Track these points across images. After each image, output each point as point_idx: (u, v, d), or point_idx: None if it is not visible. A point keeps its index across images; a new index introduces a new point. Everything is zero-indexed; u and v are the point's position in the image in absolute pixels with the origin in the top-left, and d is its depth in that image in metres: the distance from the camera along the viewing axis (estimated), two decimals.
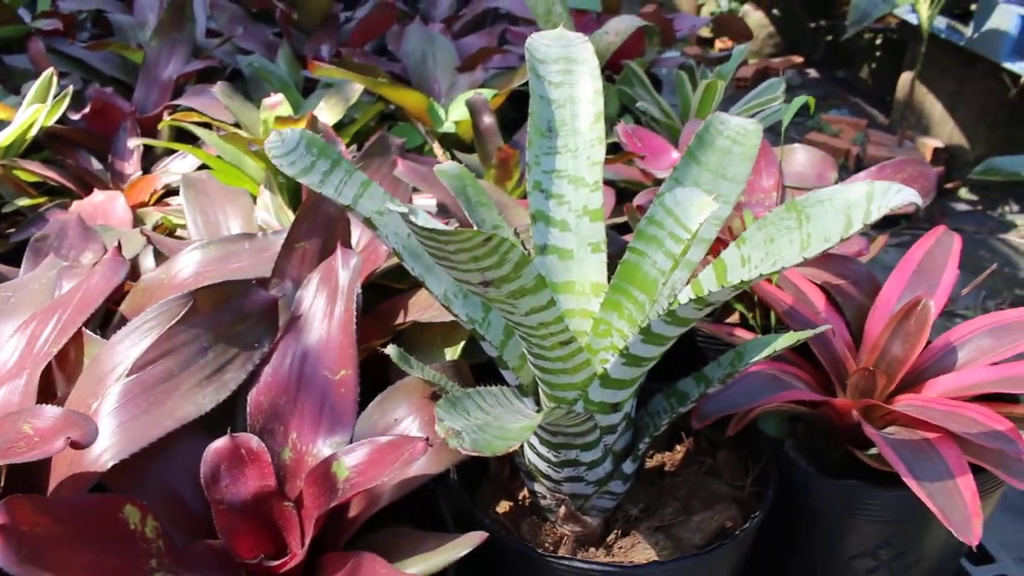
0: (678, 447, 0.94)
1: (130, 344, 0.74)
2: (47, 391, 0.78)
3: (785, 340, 0.73)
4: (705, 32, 4.34)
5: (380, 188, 0.74)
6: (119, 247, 0.85)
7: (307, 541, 0.70)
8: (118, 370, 0.73)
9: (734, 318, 1.06)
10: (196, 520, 0.72)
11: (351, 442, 0.76)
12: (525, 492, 0.87)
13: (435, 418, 0.75)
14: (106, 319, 0.95)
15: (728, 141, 0.85)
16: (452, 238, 0.50)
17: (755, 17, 4.35)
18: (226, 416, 0.77)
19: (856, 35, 3.77)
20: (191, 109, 1.35)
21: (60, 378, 0.78)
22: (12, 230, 1.18)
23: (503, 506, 0.86)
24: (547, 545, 0.80)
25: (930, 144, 2.86)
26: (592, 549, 0.80)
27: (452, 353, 0.89)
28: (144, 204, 1.31)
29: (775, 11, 4.32)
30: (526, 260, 0.56)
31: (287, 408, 0.77)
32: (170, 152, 1.39)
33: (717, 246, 1.02)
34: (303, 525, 0.72)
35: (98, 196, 1.24)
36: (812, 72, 4.28)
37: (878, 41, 3.79)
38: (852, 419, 0.84)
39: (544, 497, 0.81)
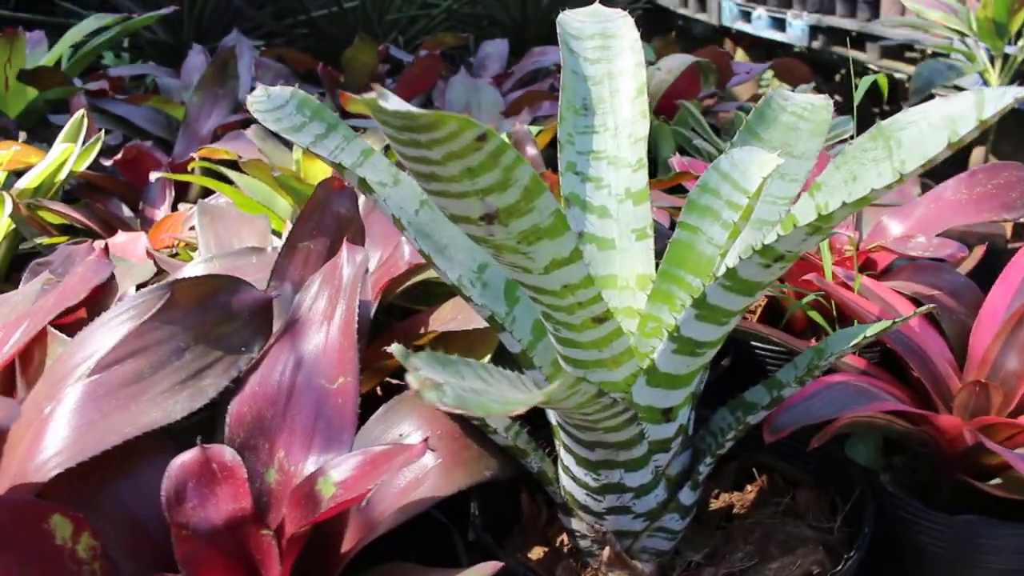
0: (749, 487, 0.78)
1: (97, 341, 0.64)
2: (5, 394, 0.68)
3: (877, 327, 0.59)
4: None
5: (385, 159, 0.64)
6: (106, 249, 0.76)
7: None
8: (80, 369, 0.63)
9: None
10: (158, 549, 0.60)
11: None
12: (564, 538, 0.72)
13: (427, 419, 0.63)
14: None
15: (793, 117, 0.73)
16: (435, 129, 0.39)
17: None
18: (206, 431, 0.65)
19: None
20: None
21: (22, 382, 0.68)
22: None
23: (536, 552, 0.71)
24: None
25: (1009, 219, 2.67)
26: None
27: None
28: (169, 246, 1.24)
29: (837, 97, 4.25)
30: (539, 186, 0.44)
31: (275, 422, 0.65)
32: (205, 196, 1.34)
33: None
34: (283, 558, 0.59)
35: (121, 236, 1.18)
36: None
37: None
38: (964, 441, 0.68)
39: (584, 536, 0.67)
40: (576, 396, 0.46)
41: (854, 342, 0.60)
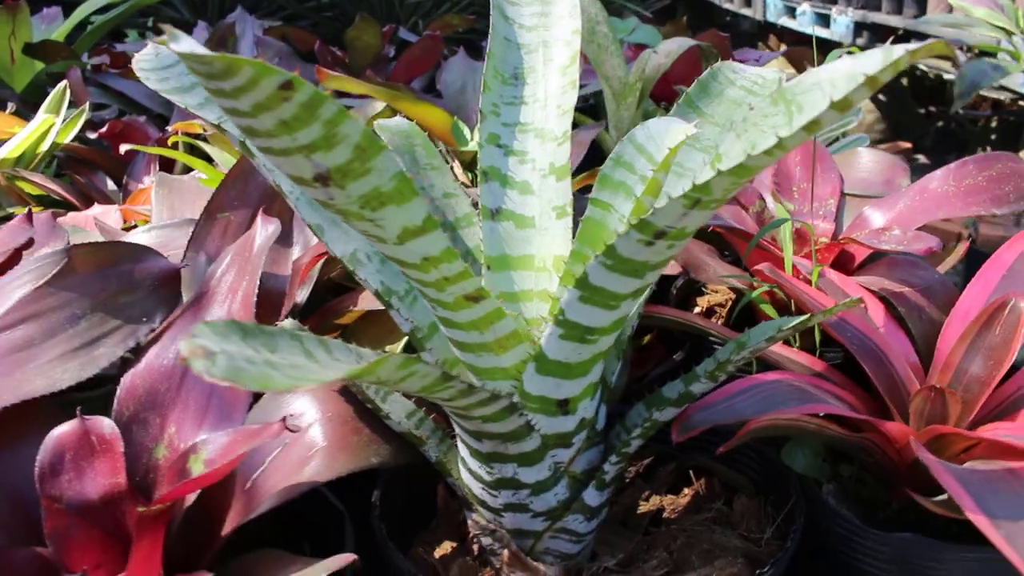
0: (685, 490, 0.73)
1: None
2: None
3: (797, 320, 0.54)
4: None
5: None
6: (29, 214, 0.74)
7: (156, 557, 0.54)
8: None
9: None
10: (33, 523, 0.57)
11: None
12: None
13: (322, 399, 0.59)
14: None
15: (742, 91, 0.68)
16: (232, 75, 0.35)
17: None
18: (104, 406, 0.63)
19: (969, 119, 3.48)
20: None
21: None
22: None
23: (444, 547, 0.67)
24: None
25: (999, 214, 2.53)
26: None
27: (394, 349, 0.73)
28: (139, 218, 1.23)
29: (881, 96, 4.09)
30: (375, 145, 0.40)
31: (168, 397, 0.63)
32: (190, 171, 1.33)
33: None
34: (151, 528, 0.56)
35: (96, 208, 1.17)
36: (922, 158, 3.97)
37: (993, 123, 3.48)
38: (912, 452, 0.62)
39: (486, 534, 0.62)
40: (414, 378, 0.42)
41: (771, 335, 0.54)
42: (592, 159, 1.24)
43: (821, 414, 0.61)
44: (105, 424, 0.58)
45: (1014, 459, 0.56)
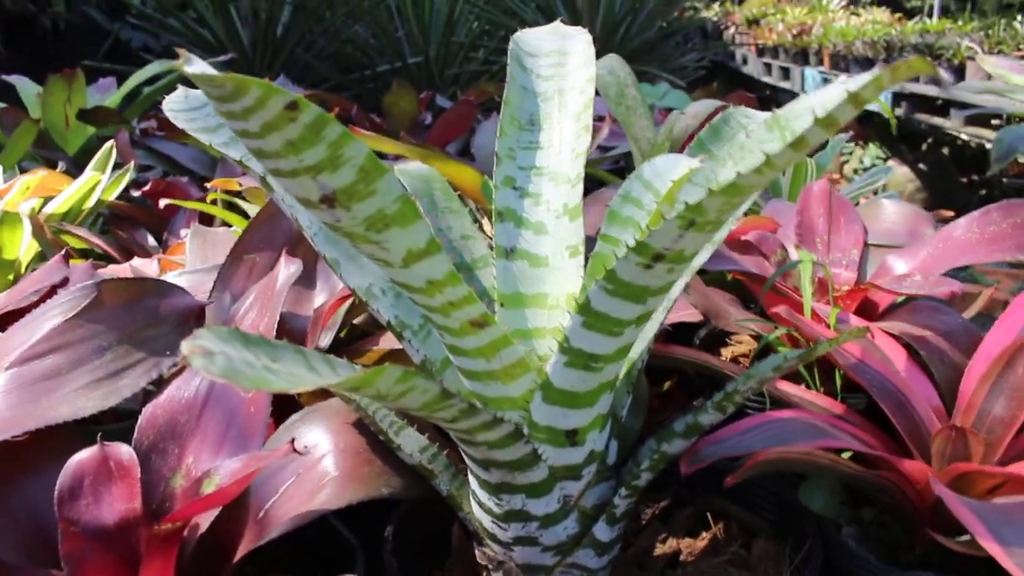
0: (704, 534, 0.72)
1: (23, 335, 0.65)
2: None
3: (802, 352, 0.54)
4: None
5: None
6: (65, 255, 0.78)
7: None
8: (2, 361, 0.63)
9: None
10: (52, 545, 0.59)
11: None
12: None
13: (336, 431, 0.60)
14: None
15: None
16: (241, 95, 0.37)
17: (901, 172, 4.11)
18: (129, 439, 0.65)
19: (1012, 187, 3.45)
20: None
21: None
22: None
23: None
24: None
25: None
26: None
27: None
28: (177, 267, 1.27)
29: (921, 165, 4.08)
30: (378, 167, 0.42)
31: (187, 427, 0.64)
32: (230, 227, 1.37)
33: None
34: (162, 551, 0.57)
35: (135, 261, 1.22)
36: None
37: None
38: (932, 493, 0.61)
39: (495, 568, 0.62)
40: (415, 393, 0.43)
41: (778, 364, 0.54)
42: None
43: (835, 450, 0.60)
44: (123, 450, 0.60)
45: None
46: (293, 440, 0.52)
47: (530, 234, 0.67)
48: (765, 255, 0.93)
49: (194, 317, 0.70)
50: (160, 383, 0.67)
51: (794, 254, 0.98)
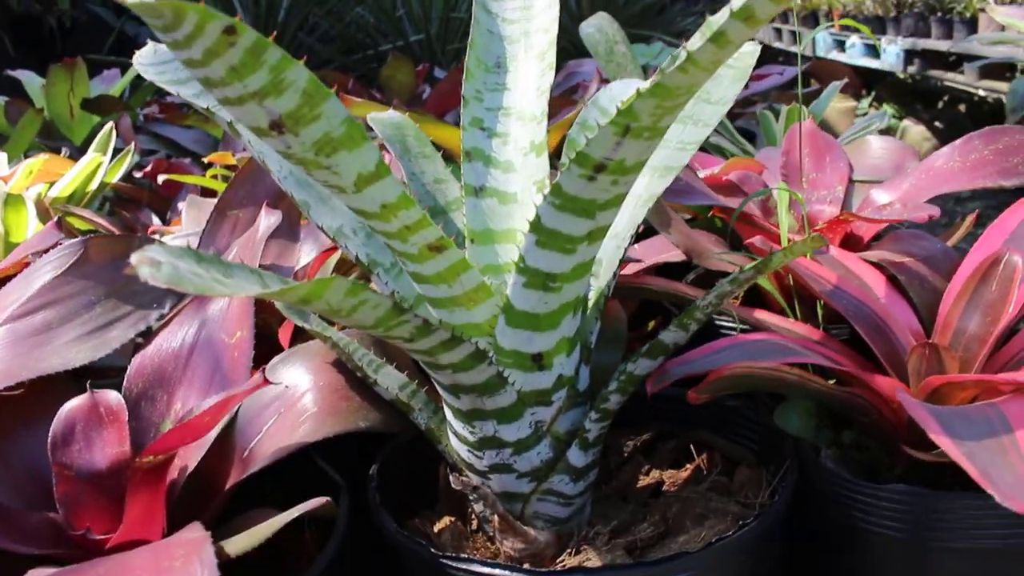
0: (687, 464, 0.73)
1: (16, 292, 0.67)
2: None
3: (759, 262, 0.55)
4: None
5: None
6: (59, 221, 0.80)
7: (156, 514, 0.57)
8: None
9: None
10: (48, 489, 0.61)
11: (235, 415, 0.64)
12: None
13: (315, 370, 0.62)
14: None
15: None
16: (181, 21, 0.39)
17: (916, 131, 4.05)
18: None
19: None
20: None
21: None
22: None
23: (444, 522, 0.68)
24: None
25: (1007, 185, 2.43)
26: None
27: None
28: None
29: (938, 123, 4.01)
30: (321, 91, 0.43)
31: (175, 375, 0.66)
32: None
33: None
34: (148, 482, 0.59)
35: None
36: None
37: None
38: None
39: (475, 497, 0.63)
40: (366, 308, 0.45)
41: (733, 277, 0.55)
42: None
43: (805, 367, 0.61)
44: (112, 397, 0.62)
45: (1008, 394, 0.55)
46: (264, 369, 0.53)
47: (499, 172, 0.68)
48: (747, 194, 0.93)
49: None
50: (148, 335, 0.69)
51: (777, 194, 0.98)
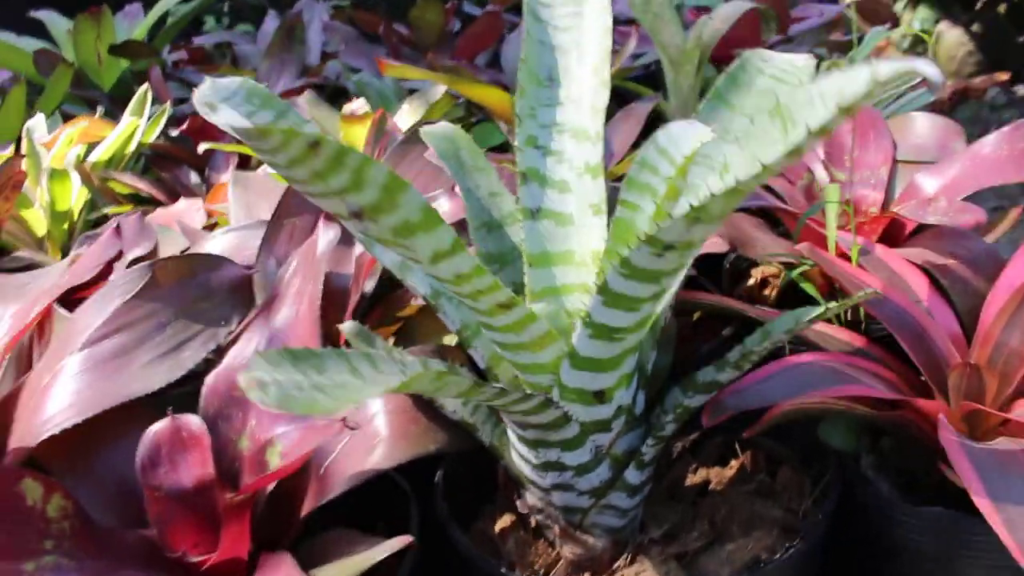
0: (732, 462, 0.77)
1: (90, 317, 0.70)
2: (28, 364, 0.76)
3: (818, 310, 0.57)
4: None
5: (334, 142, 0.66)
6: (117, 228, 0.82)
7: (244, 537, 0.62)
8: (74, 343, 0.69)
9: None
10: (136, 508, 0.66)
11: None
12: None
13: (389, 399, 0.65)
14: None
15: (771, 80, 0.69)
16: (267, 137, 0.40)
17: (952, 35, 3.90)
18: (192, 401, 0.71)
19: None
20: None
21: (37, 353, 0.76)
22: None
23: (504, 521, 0.73)
24: (536, 567, 0.66)
25: None
26: None
27: (452, 340, 0.78)
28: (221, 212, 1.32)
29: (975, 27, 3.86)
30: (399, 184, 0.45)
31: None
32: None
33: None
34: (239, 513, 0.64)
35: (181, 203, 1.27)
36: (1021, 90, 3.74)
37: None
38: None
39: (539, 511, 0.68)
40: (449, 387, 0.47)
41: (790, 327, 0.57)
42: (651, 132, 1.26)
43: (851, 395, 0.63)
44: (193, 421, 0.66)
45: None
46: (345, 419, 0.57)
47: (554, 193, 0.70)
48: (791, 180, 0.93)
49: (243, 287, 0.74)
50: (219, 352, 0.72)
51: (820, 174, 0.98)
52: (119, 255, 0.79)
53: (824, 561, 0.68)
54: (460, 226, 0.89)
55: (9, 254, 1.15)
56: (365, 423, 0.66)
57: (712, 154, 0.68)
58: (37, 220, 1.28)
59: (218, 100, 0.62)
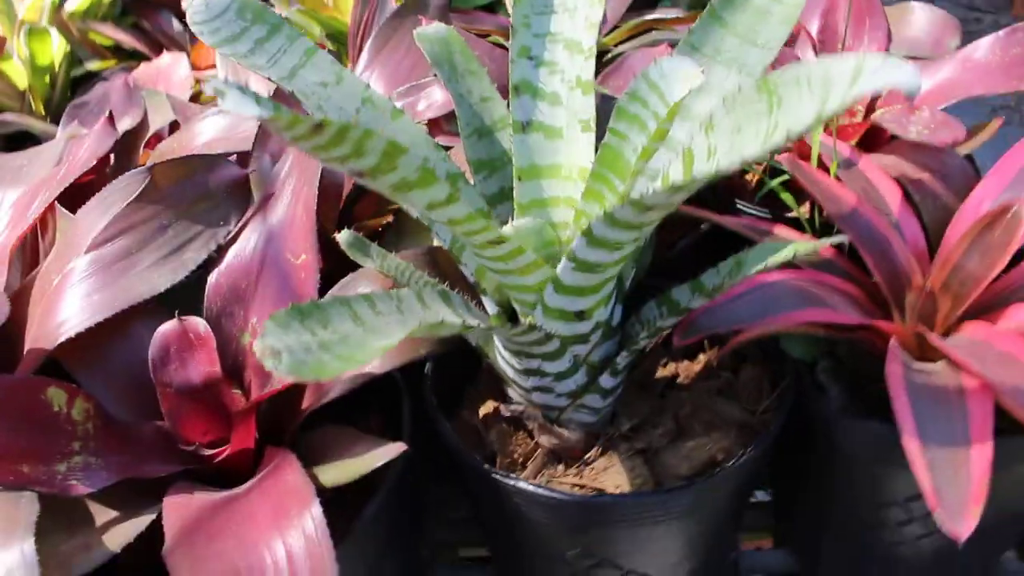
0: (701, 356, 0.83)
1: (92, 220, 0.73)
2: (34, 260, 0.79)
3: (790, 250, 0.60)
4: None
5: (329, 57, 0.66)
6: (111, 117, 0.83)
7: (251, 431, 0.68)
8: (79, 245, 0.72)
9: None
10: (149, 402, 0.71)
11: None
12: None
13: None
14: None
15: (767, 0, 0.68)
16: (274, 123, 0.42)
17: None
18: (194, 297, 0.75)
19: None
20: None
21: (43, 249, 0.79)
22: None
23: (488, 407, 0.80)
24: (516, 456, 0.74)
25: None
26: (561, 467, 0.73)
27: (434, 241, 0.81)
28: (212, 66, 1.29)
29: None
30: (398, 149, 0.46)
31: (248, 291, 0.74)
32: None
33: None
34: (248, 413, 0.70)
35: (165, 59, 1.24)
36: None
37: None
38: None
39: (520, 404, 0.74)
40: (445, 330, 0.52)
41: (765, 263, 0.61)
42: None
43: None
44: (200, 323, 0.70)
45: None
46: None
47: (545, 105, 0.71)
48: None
49: (240, 186, 0.76)
50: (219, 251, 0.75)
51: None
52: (116, 145, 0.80)
53: (774, 458, 0.76)
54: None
55: None
56: None
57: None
58: (17, 73, 1.25)
59: (210, 17, 0.62)
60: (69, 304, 0.69)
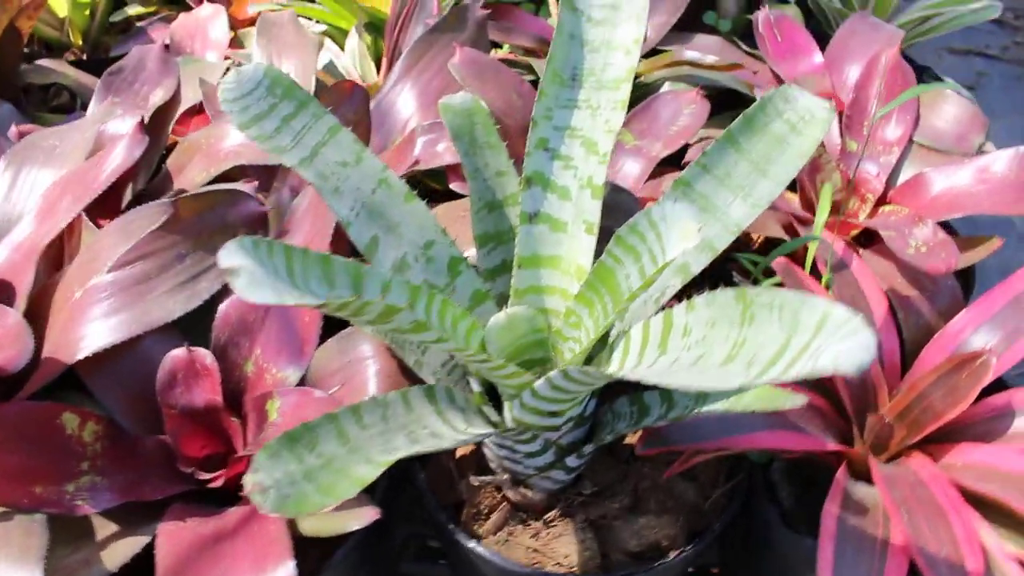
0: None
1: (116, 241, 0.77)
2: (57, 261, 0.84)
3: (759, 399, 0.64)
4: None
5: (351, 135, 0.69)
6: (141, 123, 0.85)
7: (244, 463, 0.75)
8: (102, 262, 0.76)
9: None
10: (156, 418, 0.77)
11: (305, 373, 0.78)
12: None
13: (376, 353, 0.75)
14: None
15: (786, 127, 0.70)
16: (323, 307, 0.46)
17: None
18: (204, 323, 0.79)
19: None
20: None
21: (67, 252, 0.83)
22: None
23: (464, 449, 0.86)
24: (482, 507, 0.80)
25: None
26: (520, 526, 0.79)
27: None
28: (252, 21, 1.30)
29: None
30: (394, 310, 0.50)
31: (255, 324, 0.79)
32: None
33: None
34: (246, 442, 0.76)
35: (204, 10, 1.25)
36: None
37: None
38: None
39: (492, 461, 0.80)
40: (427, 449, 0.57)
41: (728, 406, 0.65)
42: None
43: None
44: (206, 355, 0.75)
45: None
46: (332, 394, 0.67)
47: (555, 198, 0.73)
48: None
49: (258, 221, 0.80)
50: None
51: (834, 138, 0.99)
52: (145, 154, 0.83)
53: (722, 539, 0.82)
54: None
55: (32, 61, 1.16)
56: (360, 384, 0.76)
57: (710, 195, 0.71)
58: (59, 3, 1.26)
59: (241, 95, 0.64)
60: (89, 321, 0.74)
